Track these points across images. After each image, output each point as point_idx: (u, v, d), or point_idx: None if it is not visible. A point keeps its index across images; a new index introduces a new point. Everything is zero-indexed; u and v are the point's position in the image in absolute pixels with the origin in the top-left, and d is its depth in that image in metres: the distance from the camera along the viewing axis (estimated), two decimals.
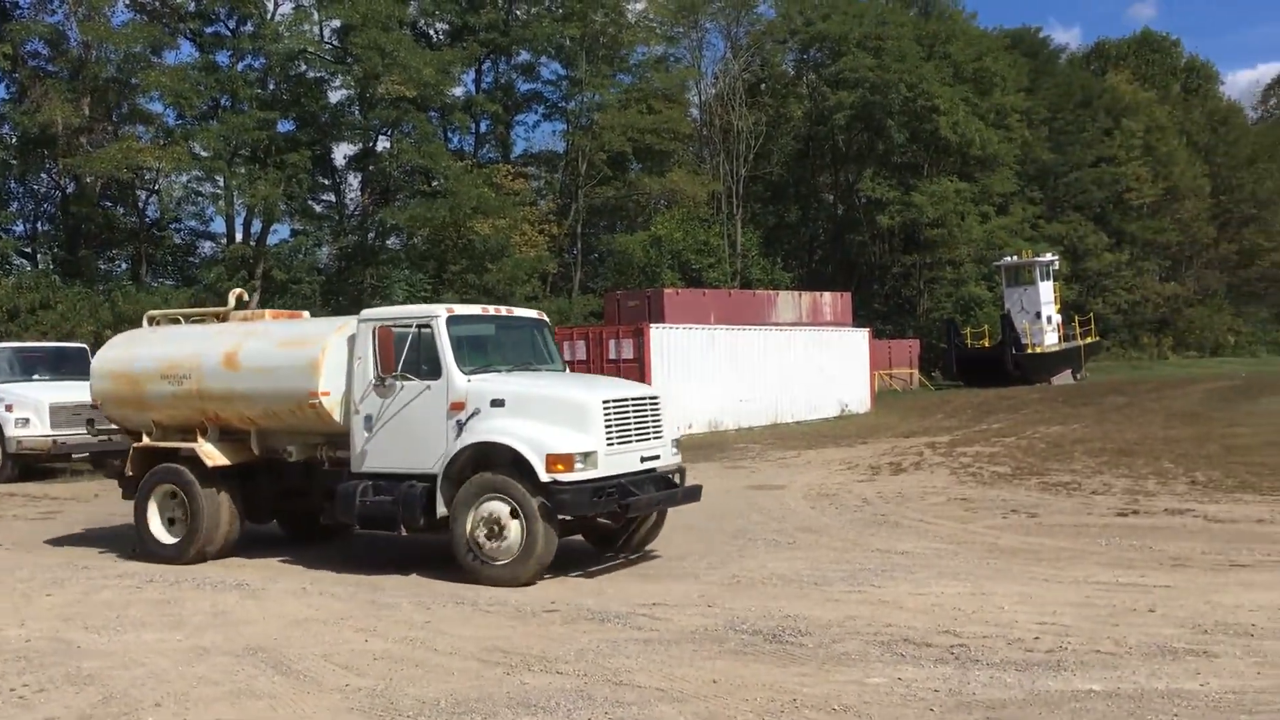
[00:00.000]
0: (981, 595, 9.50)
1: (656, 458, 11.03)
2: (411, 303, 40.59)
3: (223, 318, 13.14)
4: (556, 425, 10.29)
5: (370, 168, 45.28)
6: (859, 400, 33.81)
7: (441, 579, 10.88)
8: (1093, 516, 13.75)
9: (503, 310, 12.28)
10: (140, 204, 42.01)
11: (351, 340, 11.25)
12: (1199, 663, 7.28)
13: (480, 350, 11.39)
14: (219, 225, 43.80)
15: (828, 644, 8.03)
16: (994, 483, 17.30)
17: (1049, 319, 43.80)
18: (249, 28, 41.09)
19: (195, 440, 11.92)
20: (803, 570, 10.77)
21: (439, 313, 10.97)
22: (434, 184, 44.07)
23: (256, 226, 42.32)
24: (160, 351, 12.30)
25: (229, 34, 41.76)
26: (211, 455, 11.80)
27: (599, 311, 39.10)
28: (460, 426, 10.49)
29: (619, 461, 10.49)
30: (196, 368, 11.82)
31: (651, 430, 11.00)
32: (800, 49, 58.10)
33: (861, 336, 34.87)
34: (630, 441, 10.66)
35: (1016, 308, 43.51)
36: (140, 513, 12.10)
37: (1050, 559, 11.01)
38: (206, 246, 45.27)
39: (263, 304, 39.60)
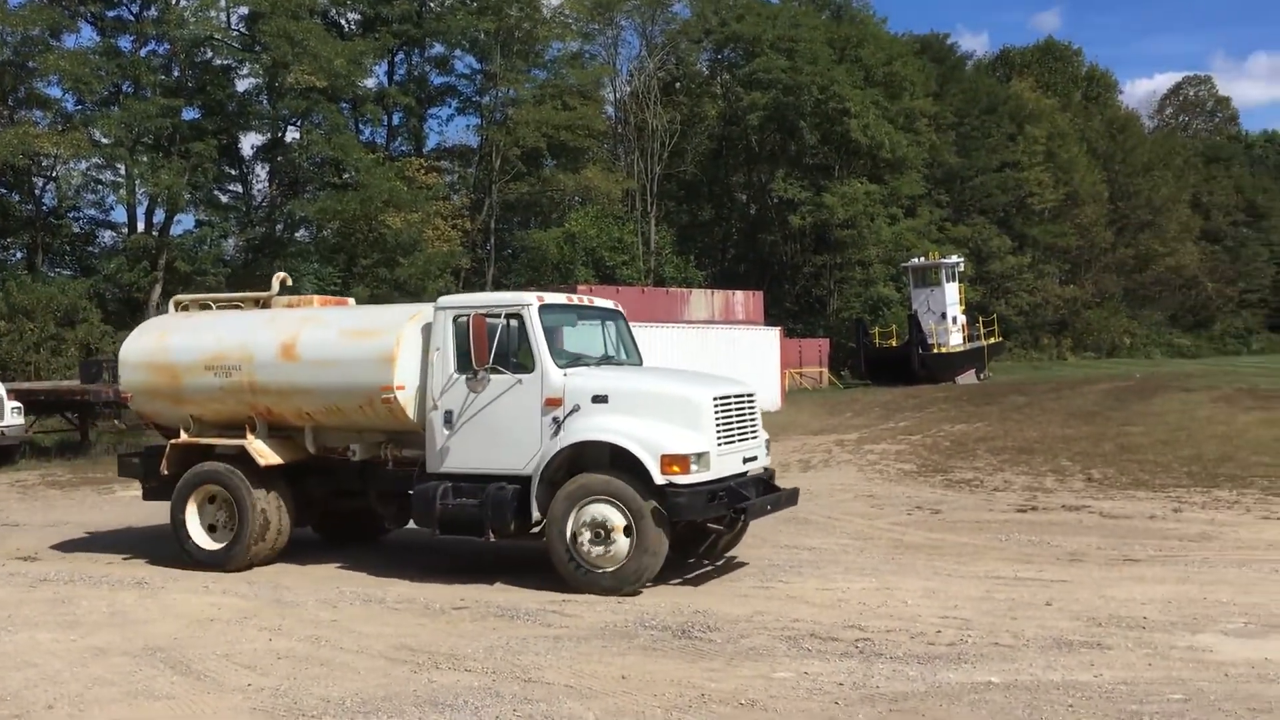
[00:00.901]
0: (886, 590, 9.68)
1: (755, 458, 10.45)
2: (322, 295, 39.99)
3: (264, 303, 12.17)
4: (666, 424, 9.61)
5: (279, 158, 44.37)
6: (769, 398, 34.10)
7: (350, 576, 10.75)
8: (994, 513, 14.11)
9: (584, 299, 11.51)
10: (37, 191, 40.58)
11: (426, 330, 10.48)
12: (1093, 654, 7.51)
13: (564, 341, 10.53)
14: (120, 214, 42.55)
15: (736, 639, 8.12)
16: (900, 480, 17.64)
17: (954, 320, 44.73)
18: (153, 12, 39.96)
19: (243, 437, 11.04)
20: (711, 567, 10.86)
21: (530, 301, 10.22)
22: (345, 176, 43.35)
23: (159, 216, 41.17)
24: (203, 340, 11.34)
25: (132, 18, 40.57)
26: (263, 453, 10.92)
27: None
28: (557, 424, 9.80)
29: (726, 463, 9.88)
30: (248, 359, 10.95)
31: (750, 429, 10.40)
32: (715, 49, 58.47)
33: (773, 335, 35.24)
34: (734, 441, 10.03)
35: (923, 308, 44.35)
36: (178, 516, 11.15)
37: (953, 554, 11.27)
38: (107, 236, 43.86)
39: (164, 296, 38.66)
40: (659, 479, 9.37)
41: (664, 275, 49.19)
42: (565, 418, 9.78)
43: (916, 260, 46.25)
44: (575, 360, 10.26)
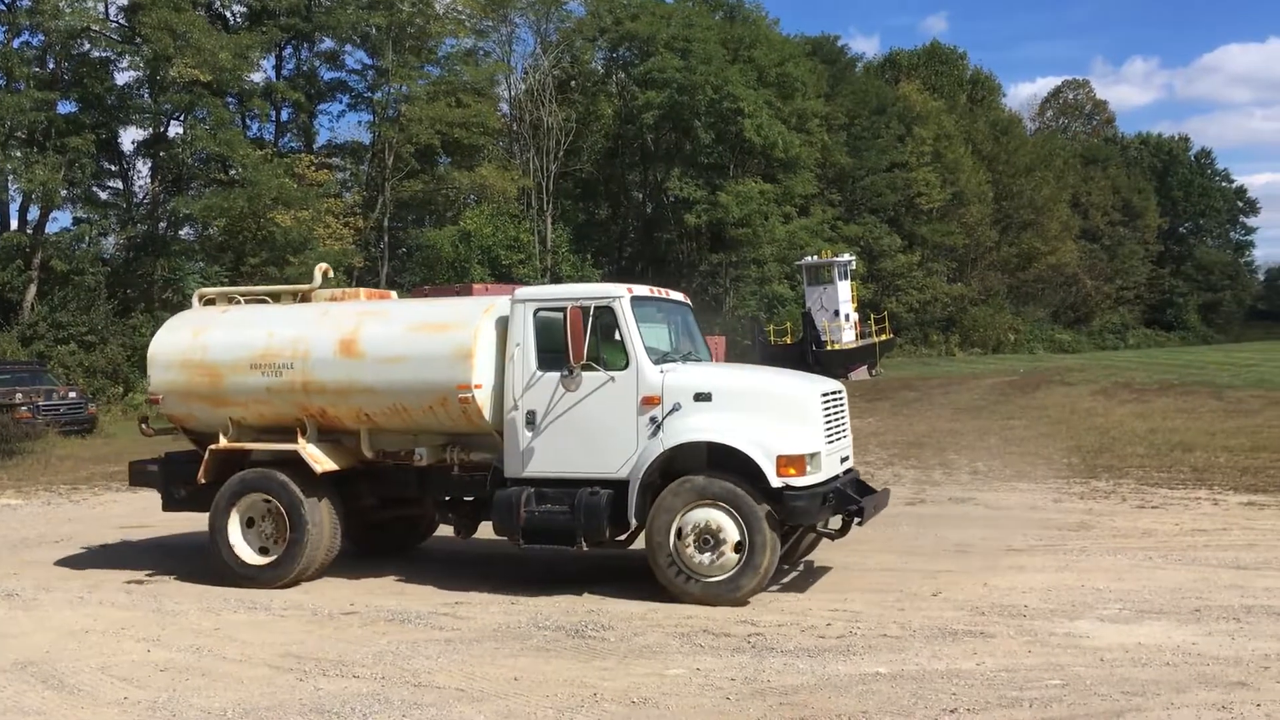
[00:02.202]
0: (779, 584, 9.78)
1: (847, 458, 10.07)
2: None
3: (304, 296, 11.27)
4: (776, 423, 9.08)
5: (161, 154, 42.97)
6: None
7: (233, 583, 10.45)
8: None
9: (660, 291, 10.59)
10: None
11: (500, 324, 9.79)
12: (976, 643, 7.70)
13: (648, 336, 9.78)
14: None
15: (629, 637, 8.12)
16: None
17: (847, 317, 45.52)
18: (26, 2, 38.42)
19: (287, 441, 10.17)
20: (607, 565, 10.84)
21: (621, 293, 9.58)
22: (231, 173, 42.26)
23: (34, 213, 39.62)
24: (248, 337, 10.41)
25: (3, 8, 38.93)
26: (319, 459, 10.05)
27: None
28: (656, 424, 9.19)
29: (831, 463, 9.43)
30: (302, 356, 10.06)
31: (843, 427, 9.97)
32: (610, 48, 58.45)
33: None
34: (834, 441, 9.55)
35: (817, 306, 45.04)
36: (220, 528, 10.21)
37: (844, 548, 11.42)
38: None
39: (39, 297, 37.20)
40: (775, 481, 8.86)
41: (561, 274, 49.04)
42: (665, 417, 9.19)
43: (810, 259, 46.95)
44: (663, 356, 9.67)
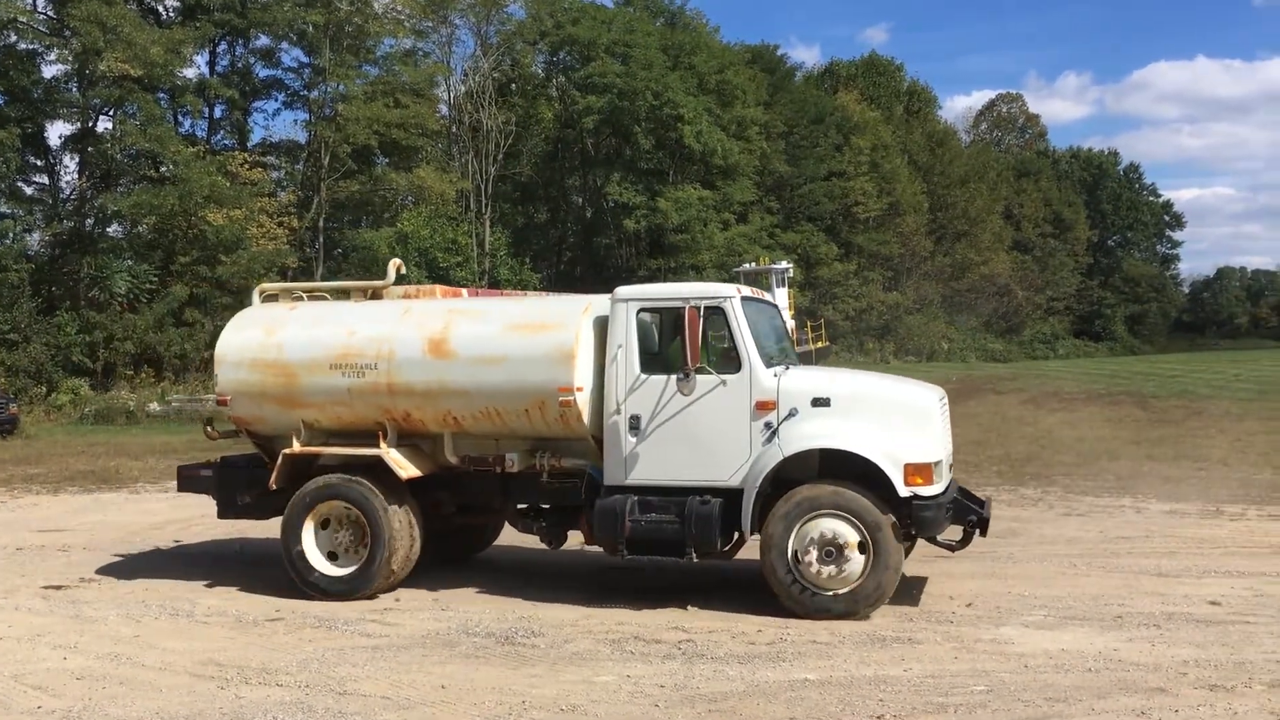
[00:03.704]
0: (712, 589, 9.79)
1: (952, 465, 9.66)
2: (136, 293, 38.10)
3: (375, 293, 10.78)
4: (899, 429, 8.74)
5: (89, 149, 42.06)
6: None
7: (156, 588, 10.24)
8: None
9: (756, 292, 10.15)
10: None
11: (599, 324, 9.33)
12: (904, 649, 7.76)
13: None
14: None
15: (560, 644, 8.08)
16: None
17: (784, 324, 45.87)
18: None
19: (363, 445, 9.69)
20: (540, 571, 10.79)
21: (731, 293, 9.19)
22: (162, 170, 41.46)
23: None
24: (326, 335, 9.89)
25: None
26: (403, 464, 9.56)
27: None
28: (771, 430, 8.81)
29: (947, 472, 9.09)
30: (387, 356, 9.56)
31: (948, 433, 9.53)
32: (550, 51, 58.34)
33: None
34: (947, 448, 9.26)
35: None
36: (294, 537, 9.70)
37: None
38: None
39: None
40: (903, 490, 8.51)
41: (499, 277, 48.79)
42: (781, 423, 8.79)
43: (748, 265, 47.19)
44: (769, 359, 9.21)
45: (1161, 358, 72.86)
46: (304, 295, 10.96)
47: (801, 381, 9.01)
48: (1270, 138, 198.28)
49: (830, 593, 8.60)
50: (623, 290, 9.40)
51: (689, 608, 9.11)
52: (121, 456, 22.46)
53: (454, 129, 54.37)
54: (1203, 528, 12.84)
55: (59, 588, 10.36)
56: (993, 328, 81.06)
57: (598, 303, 9.52)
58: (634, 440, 9.08)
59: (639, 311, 9.22)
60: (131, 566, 11.30)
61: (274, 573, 10.67)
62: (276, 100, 50.77)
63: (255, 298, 10.97)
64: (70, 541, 12.99)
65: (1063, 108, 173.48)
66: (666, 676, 7.21)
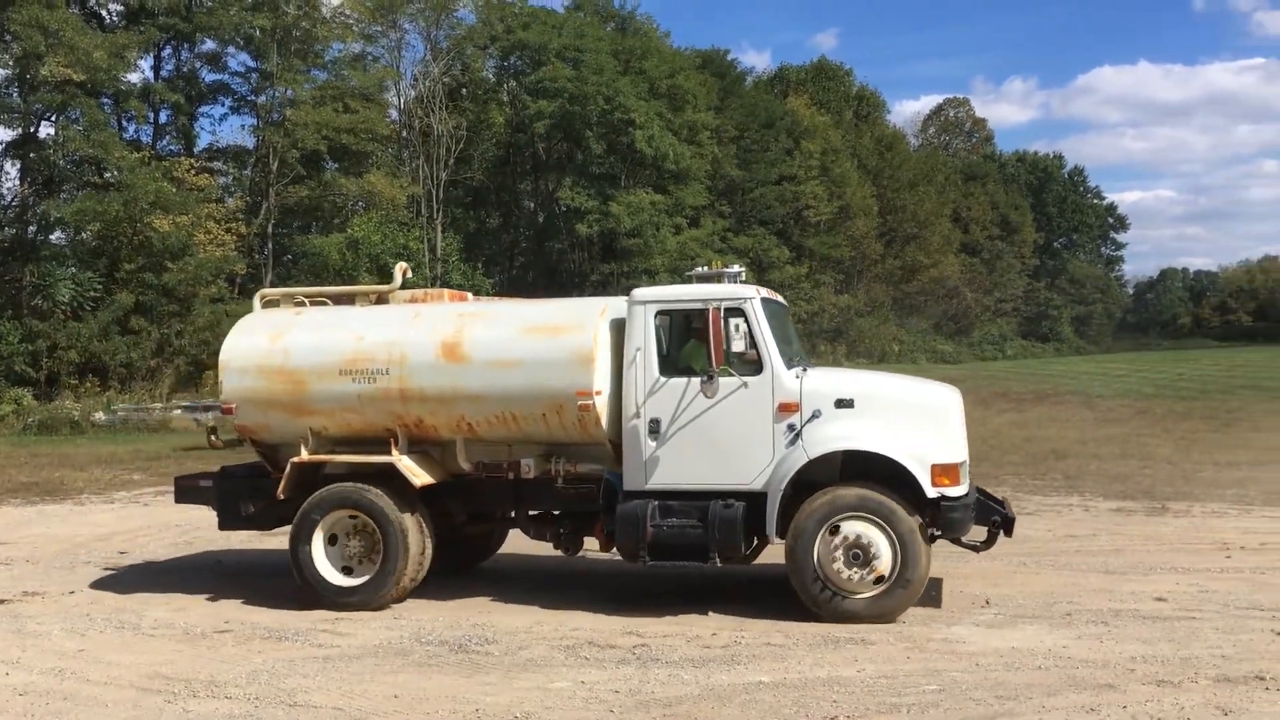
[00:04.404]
0: (656, 595, 9.79)
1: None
2: (80, 301, 37.42)
3: (381, 298, 10.61)
4: (924, 431, 8.69)
5: (31, 155, 41.26)
6: None
7: (102, 601, 10.05)
8: None
9: (770, 292, 10.05)
10: None
11: (615, 327, 9.22)
12: (857, 650, 7.80)
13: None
14: None
15: (514, 651, 8.03)
16: None
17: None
18: None
19: (382, 452, 9.49)
20: (493, 578, 10.73)
21: (751, 294, 9.18)
22: (106, 176, 40.74)
23: None
24: (335, 340, 9.71)
25: None
26: (416, 472, 9.38)
27: None
28: (794, 432, 8.72)
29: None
30: (398, 360, 9.39)
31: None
32: (501, 56, 58.13)
33: None
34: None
35: None
36: (303, 548, 9.49)
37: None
38: None
39: None
40: (931, 492, 8.47)
41: (451, 282, 48.51)
42: (804, 425, 8.71)
43: (700, 269, 46.90)
44: (788, 361, 9.12)
45: (1107, 358, 74.05)
46: (306, 300, 10.76)
47: (824, 383, 8.95)
48: (1211, 141, 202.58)
49: (858, 596, 8.52)
50: (640, 292, 9.32)
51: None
52: (66, 467, 22.06)
53: (404, 134, 54.02)
54: (1149, 525, 13.05)
55: (1, 602, 10.14)
56: (942, 329, 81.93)
57: (614, 305, 9.46)
58: (654, 444, 8.97)
59: (657, 314, 9.13)
60: (76, 579, 11.09)
61: (219, 583, 10.55)
62: (223, 105, 50.22)
63: (256, 303, 10.76)
64: (13, 555, 12.73)
65: (1009, 112, 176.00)
66: (621, 682, 7.19)
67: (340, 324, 10.00)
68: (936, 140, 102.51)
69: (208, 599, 10.00)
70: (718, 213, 61.20)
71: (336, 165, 49.64)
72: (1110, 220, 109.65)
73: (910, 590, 8.51)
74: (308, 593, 9.52)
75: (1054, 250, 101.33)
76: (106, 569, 11.69)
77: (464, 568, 10.94)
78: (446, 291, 10.79)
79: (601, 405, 9.00)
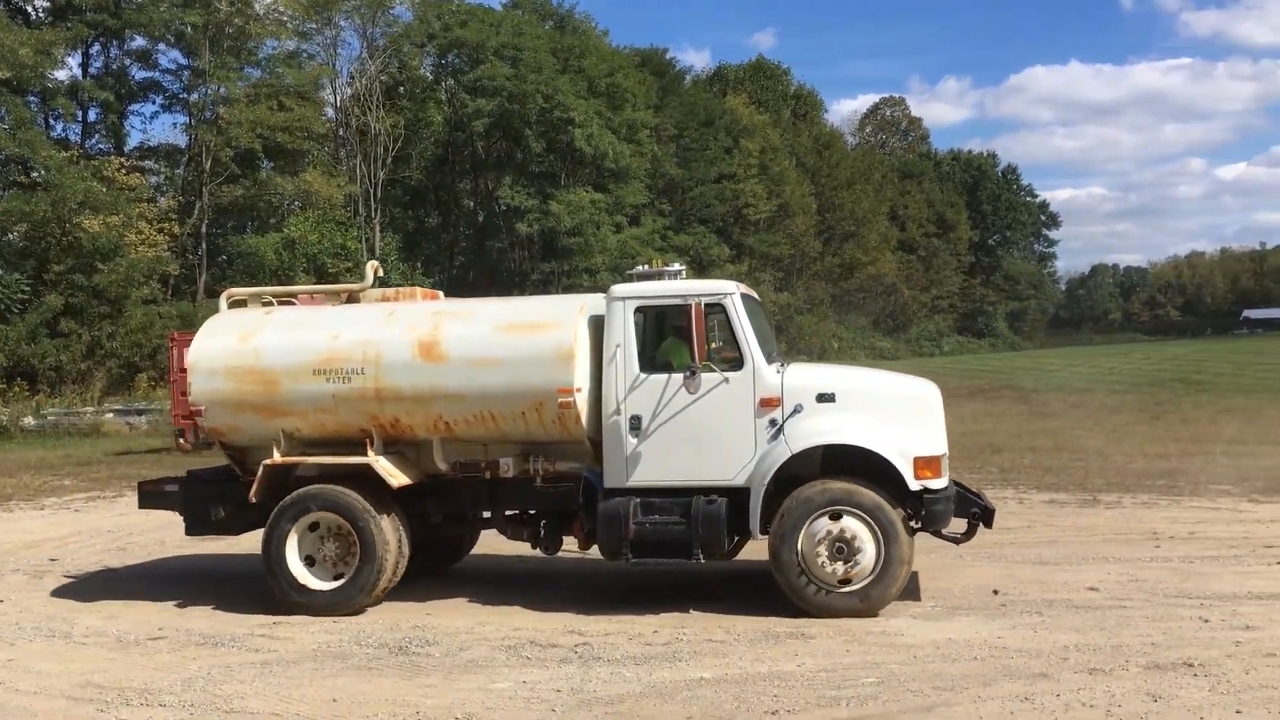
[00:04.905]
0: (604, 593, 9.79)
1: None
2: (7, 304, 36.54)
3: (352, 296, 10.38)
4: (905, 424, 8.71)
5: None
6: None
7: (31, 608, 9.82)
8: None
9: (747, 289, 9.88)
10: None
11: (594, 324, 9.13)
12: (798, 645, 7.86)
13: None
14: None
15: (455, 652, 7.99)
16: None
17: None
18: None
19: (355, 454, 9.25)
20: (435, 580, 10.65)
21: (731, 289, 9.13)
22: (33, 175, 39.92)
23: None
24: (306, 340, 9.48)
25: None
26: (393, 473, 9.17)
27: None
28: (776, 427, 8.68)
29: None
30: (373, 360, 9.19)
31: None
32: (438, 54, 57.79)
33: None
34: None
35: None
36: (277, 552, 9.24)
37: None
38: None
39: None
40: (914, 485, 8.52)
41: (390, 282, 47.93)
42: (786, 420, 8.68)
43: (641, 268, 47.00)
44: (770, 356, 9.08)
45: (1041, 353, 75.34)
46: (274, 300, 10.53)
47: (805, 377, 8.97)
48: (1140, 140, 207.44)
49: (843, 590, 8.53)
50: (619, 288, 9.24)
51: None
52: None
53: (341, 132, 53.47)
54: (1081, 516, 13.31)
55: None
56: (880, 326, 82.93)
57: (591, 301, 9.38)
58: (635, 441, 8.90)
59: (638, 309, 9.08)
60: (4, 587, 10.83)
61: (157, 590, 10.37)
62: (154, 103, 49.49)
63: (223, 303, 10.50)
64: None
65: (944, 111, 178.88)
66: (563, 681, 7.18)
67: (313, 323, 9.80)
68: (873, 139, 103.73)
69: (141, 605, 9.81)
70: (658, 211, 61.38)
71: (272, 164, 49.04)
72: (1043, 217, 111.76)
73: (894, 582, 8.54)
74: (282, 597, 9.29)
75: (988, 247, 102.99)
76: (36, 576, 11.42)
77: (438, 570, 10.80)
78: (419, 290, 10.64)
79: (582, 403, 8.92)
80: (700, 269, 61.45)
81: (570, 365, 8.85)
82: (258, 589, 9.90)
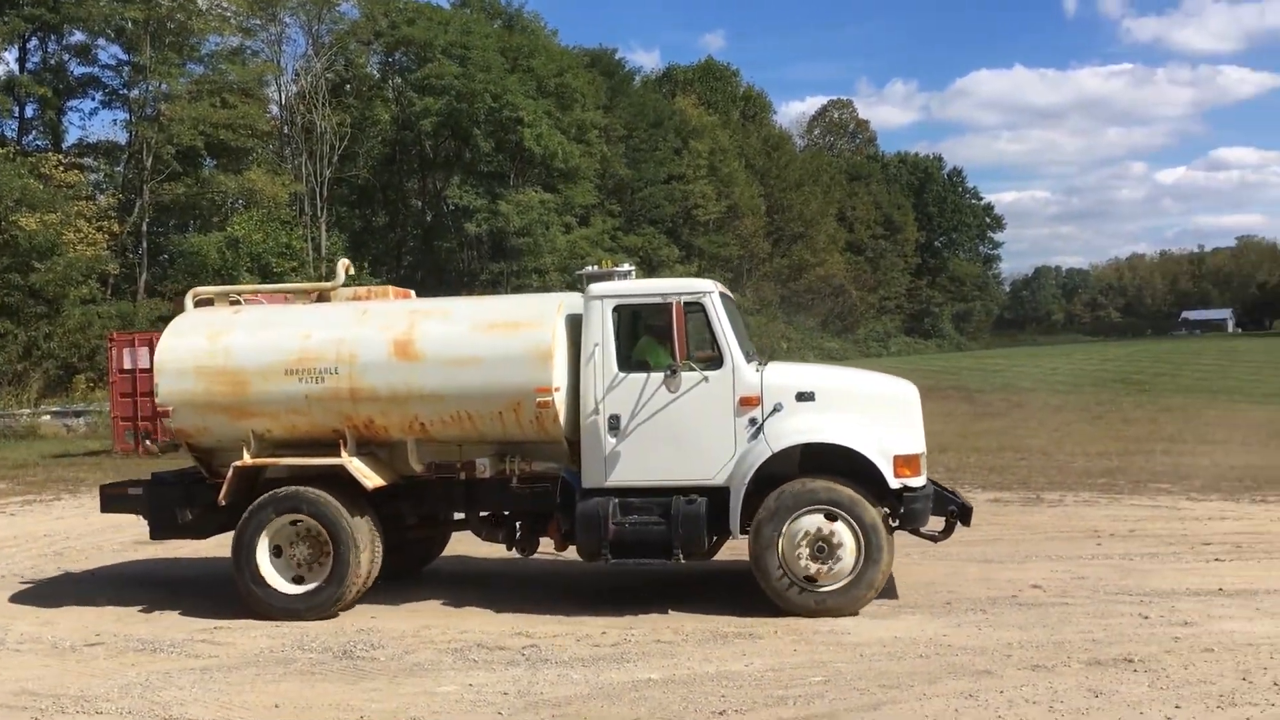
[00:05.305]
0: (555, 594, 9.74)
1: None
2: None
3: (322, 295, 10.21)
4: (885, 423, 8.72)
5: None
6: None
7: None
8: None
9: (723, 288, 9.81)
10: None
11: (573, 322, 9.05)
12: (745, 645, 7.87)
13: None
14: None
15: (400, 655, 7.90)
16: None
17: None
18: None
19: (327, 455, 9.09)
20: (379, 583, 10.52)
21: (710, 288, 9.08)
22: None
23: None
24: (277, 339, 9.28)
25: None
26: (367, 474, 9.01)
27: (168, 316, 36.21)
28: (756, 426, 8.67)
29: None
30: (348, 359, 9.02)
31: None
32: (385, 52, 57.31)
33: None
34: None
35: None
36: (248, 556, 9.05)
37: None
38: None
39: None
40: (894, 483, 8.54)
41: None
42: (766, 419, 8.67)
43: (590, 268, 46.97)
44: (748, 355, 9.09)
45: (986, 353, 76.28)
46: (240, 299, 10.30)
47: (784, 376, 8.95)
48: (1082, 144, 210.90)
49: (824, 589, 8.54)
50: (597, 287, 9.17)
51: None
52: None
53: (286, 130, 52.82)
54: (1025, 515, 13.48)
55: None
56: (829, 327, 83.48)
57: (569, 300, 9.32)
58: (614, 440, 8.85)
59: (616, 308, 9.03)
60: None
61: (95, 595, 10.16)
62: (93, 99, 48.58)
63: (188, 302, 10.22)
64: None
65: (891, 114, 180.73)
66: (510, 683, 7.13)
67: (284, 322, 9.60)
68: (822, 141, 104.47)
69: (78, 611, 9.60)
70: (607, 211, 61.33)
71: (215, 162, 48.35)
72: (988, 220, 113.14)
73: (875, 581, 8.56)
74: (252, 602, 9.11)
75: (935, 249, 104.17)
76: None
77: (410, 573, 10.66)
78: (391, 289, 10.48)
79: (560, 402, 8.84)
80: (650, 270, 61.51)
81: (549, 365, 8.77)
82: (198, 594, 9.75)
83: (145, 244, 46.48)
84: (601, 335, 8.93)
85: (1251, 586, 9.19)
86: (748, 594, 9.35)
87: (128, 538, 13.34)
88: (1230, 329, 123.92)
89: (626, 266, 10.46)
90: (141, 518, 10.03)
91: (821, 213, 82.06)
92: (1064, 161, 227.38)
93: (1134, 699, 6.41)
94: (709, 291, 9.07)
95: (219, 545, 10.86)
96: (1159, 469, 17.30)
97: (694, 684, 6.96)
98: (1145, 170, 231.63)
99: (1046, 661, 7.18)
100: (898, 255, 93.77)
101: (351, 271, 10.39)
